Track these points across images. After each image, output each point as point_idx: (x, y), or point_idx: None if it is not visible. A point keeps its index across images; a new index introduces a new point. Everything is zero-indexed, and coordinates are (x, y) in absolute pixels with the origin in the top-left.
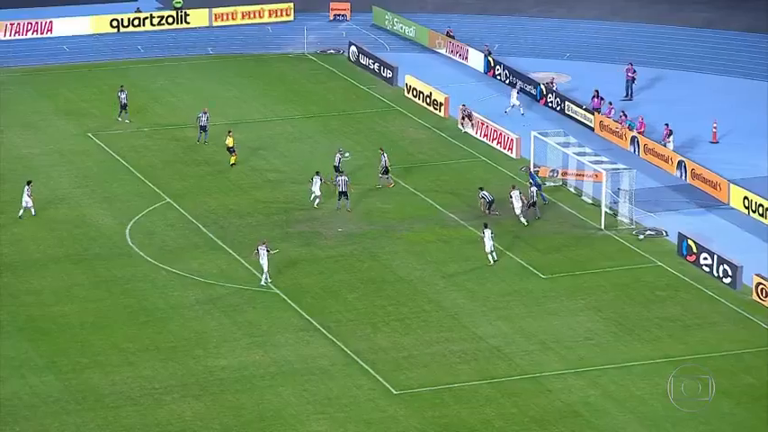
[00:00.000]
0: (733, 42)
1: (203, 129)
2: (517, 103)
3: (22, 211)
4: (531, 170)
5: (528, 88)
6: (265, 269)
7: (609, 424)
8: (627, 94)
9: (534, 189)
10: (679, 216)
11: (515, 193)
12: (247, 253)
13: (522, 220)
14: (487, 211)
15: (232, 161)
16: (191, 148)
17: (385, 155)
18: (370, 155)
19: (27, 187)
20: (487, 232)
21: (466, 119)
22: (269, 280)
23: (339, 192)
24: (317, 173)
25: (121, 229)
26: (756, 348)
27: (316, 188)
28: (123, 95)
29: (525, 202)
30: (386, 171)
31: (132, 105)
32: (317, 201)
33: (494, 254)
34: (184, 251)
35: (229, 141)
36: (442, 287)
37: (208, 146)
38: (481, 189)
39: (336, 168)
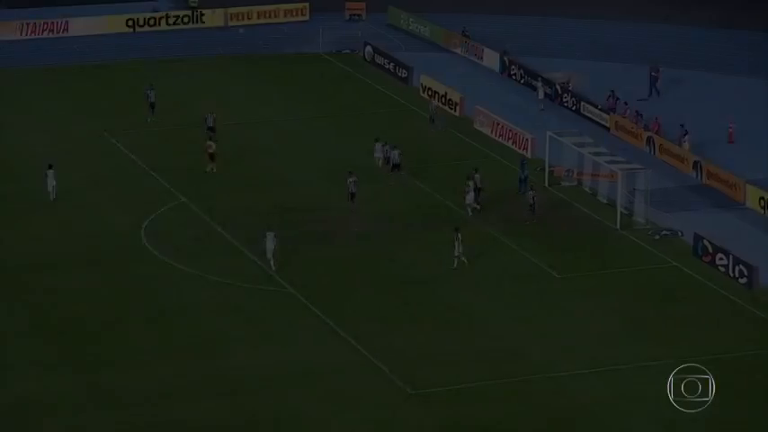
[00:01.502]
0: (752, 42)
1: (211, 129)
2: (542, 97)
3: (54, 195)
4: (525, 161)
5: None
6: (272, 255)
7: (624, 424)
8: (650, 93)
9: (531, 193)
10: (695, 216)
11: (471, 183)
12: (256, 248)
13: (469, 210)
14: (472, 198)
15: (208, 169)
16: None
17: (395, 151)
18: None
19: (51, 172)
20: (458, 236)
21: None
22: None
23: (349, 193)
24: (377, 139)
25: (136, 228)
26: None
27: (379, 154)
28: (152, 93)
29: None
30: (395, 167)
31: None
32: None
33: (462, 257)
34: (199, 250)
35: (211, 148)
36: (457, 287)
37: (219, 145)
38: (476, 171)
39: (388, 162)
